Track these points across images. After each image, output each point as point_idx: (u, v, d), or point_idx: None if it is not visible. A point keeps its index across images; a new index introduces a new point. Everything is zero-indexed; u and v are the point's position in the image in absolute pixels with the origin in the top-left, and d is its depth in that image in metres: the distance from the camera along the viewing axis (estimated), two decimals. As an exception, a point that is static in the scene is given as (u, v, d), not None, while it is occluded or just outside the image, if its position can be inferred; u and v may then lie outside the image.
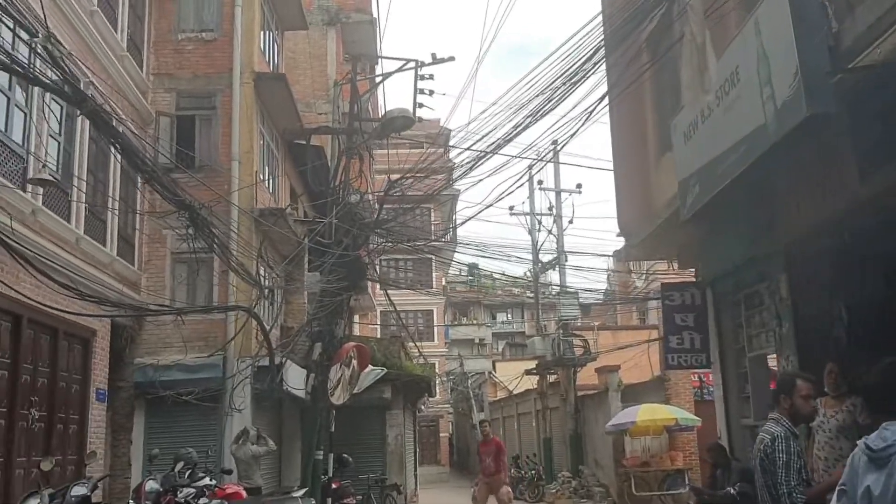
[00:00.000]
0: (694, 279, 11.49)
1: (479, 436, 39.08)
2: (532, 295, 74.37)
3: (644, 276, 40.77)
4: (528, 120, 8.97)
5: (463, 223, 36.45)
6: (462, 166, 11.32)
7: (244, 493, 11.78)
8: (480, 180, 75.47)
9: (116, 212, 13.21)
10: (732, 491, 9.09)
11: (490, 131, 10.07)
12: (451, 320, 62.33)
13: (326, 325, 13.62)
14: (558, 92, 8.55)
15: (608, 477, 21.81)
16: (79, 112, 7.96)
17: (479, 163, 10.60)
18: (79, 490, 8.32)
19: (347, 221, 13.49)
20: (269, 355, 12.55)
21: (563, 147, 9.05)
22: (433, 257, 42.89)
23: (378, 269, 17.81)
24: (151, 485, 9.39)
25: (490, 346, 64.04)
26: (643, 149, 11.15)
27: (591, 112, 8.46)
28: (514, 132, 9.28)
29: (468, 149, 12.65)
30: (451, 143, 15.10)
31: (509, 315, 70.93)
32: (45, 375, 11.21)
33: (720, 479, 9.54)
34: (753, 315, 9.46)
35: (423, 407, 24.99)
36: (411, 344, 22.78)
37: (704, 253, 10.27)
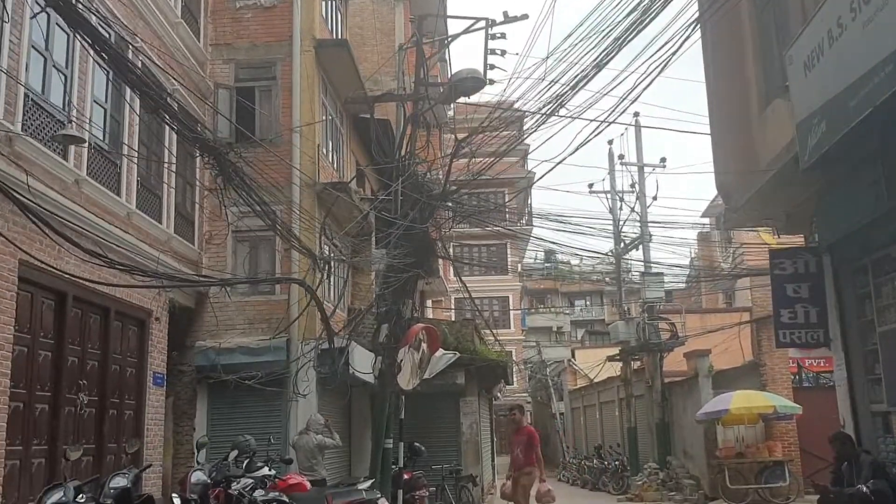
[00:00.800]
0: (804, 245, 10.02)
1: (558, 425, 37.80)
2: (612, 282, 72.45)
3: (731, 257, 38.70)
4: (615, 48, 7.67)
5: (541, 177, 35.01)
6: (538, 108, 9.97)
7: (308, 485, 10.85)
8: (548, 138, 72.89)
9: (171, 185, 12.41)
10: (865, 489, 7.66)
11: (570, 66, 8.69)
12: (527, 309, 60.97)
13: (393, 305, 12.57)
14: (650, 13, 7.24)
15: (699, 468, 20.28)
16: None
17: (562, 101, 9.23)
18: (119, 481, 7.38)
19: (414, 192, 12.40)
20: (328, 335, 11.57)
21: (655, 78, 7.64)
22: (508, 242, 41.76)
23: (450, 250, 16.66)
24: (198, 476, 8.44)
25: (568, 334, 62.51)
26: (745, 98, 9.71)
27: (690, 26, 7.09)
28: (602, 60, 7.96)
29: (542, 113, 11.39)
30: (522, 84, 13.78)
31: (588, 302, 69.15)
32: (95, 358, 10.47)
33: (846, 474, 8.11)
34: (885, 283, 7.99)
35: (499, 394, 23.77)
36: (486, 331, 21.64)
37: (822, 212, 8.80)
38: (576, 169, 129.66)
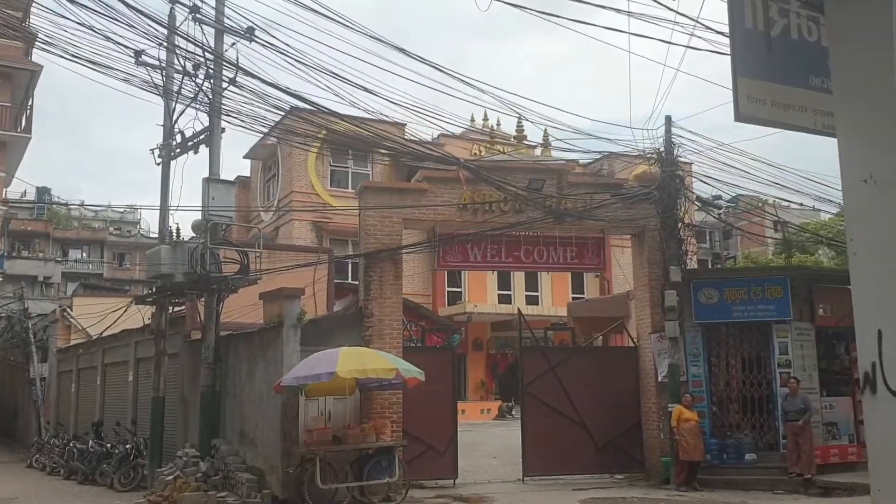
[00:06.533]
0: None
1: (37, 394, 27.97)
2: (115, 232, 61.45)
3: (276, 207, 32.85)
4: None
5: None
6: None
7: None
8: None
9: None
10: None
11: None
12: (7, 252, 48.05)
13: None
14: None
15: (265, 458, 13.74)
16: None
17: None
18: None
19: None
20: None
21: None
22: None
23: None
24: None
25: (58, 286, 50.83)
26: None
27: None
28: None
29: None
30: None
31: (85, 253, 57.55)
32: None
33: None
34: None
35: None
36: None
37: None
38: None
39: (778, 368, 14.66)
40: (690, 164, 17.65)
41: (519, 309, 16.63)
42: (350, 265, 29.05)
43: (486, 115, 33.55)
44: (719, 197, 17.04)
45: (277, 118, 13.17)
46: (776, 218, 17.19)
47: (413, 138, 12.91)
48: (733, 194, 17.13)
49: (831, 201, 17.64)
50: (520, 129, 14.57)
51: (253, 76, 12.50)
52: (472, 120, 32.69)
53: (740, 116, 4.64)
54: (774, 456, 14.35)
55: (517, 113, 12.04)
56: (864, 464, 13.74)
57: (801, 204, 16.75)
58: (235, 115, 13.10)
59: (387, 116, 14.50)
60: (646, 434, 15.28)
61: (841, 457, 14.32)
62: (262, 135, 16.79)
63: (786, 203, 17.28)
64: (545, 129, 14.38)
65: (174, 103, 16.77)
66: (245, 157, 34.92)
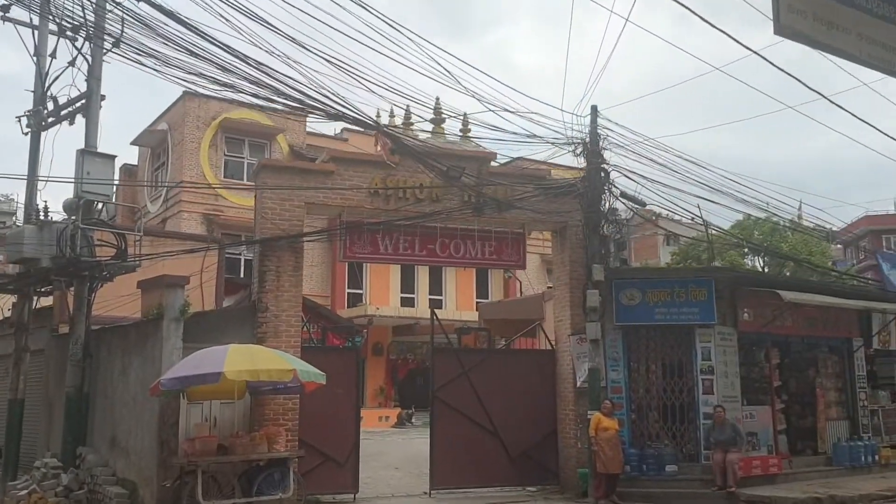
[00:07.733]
0: None
1: None
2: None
3: (163, 197, 30.42)
4: None
5: None
6: None
7: None
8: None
9: None
10: None
11: None
12: None
13: None
14: None
15: (139, 469, 11.93)
16: None
17: None
18: None
19: None
20: None
21: None
22: None
23: None
24: None
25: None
26: None
27: None
28: None
29: None
30: None
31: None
32: None
33: None
34: None
35: None
36: None
37: None
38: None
39: (700, 374, 13.90)
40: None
41: (432, 309, 15.32)
42: (243, 261, 27.13)
43: (392, 111, 32.15)
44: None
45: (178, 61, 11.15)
46: (699, 220, 16.48)
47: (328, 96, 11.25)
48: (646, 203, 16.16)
49: (748, 202, 17.16)
50: (438, 111, 13.37)
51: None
52: (379, 115, 31.18)
53: (780, 28, 3.52)
54: (695, 467, 13.54)
55: (444, 71, 10.74)
56: (785, 475, 12.97)
57: (696, 214, 15.98)
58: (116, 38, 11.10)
59: (309, 69, 12.46)
60: (562, 443, 14.22)
61: (763, 468, 13.64)
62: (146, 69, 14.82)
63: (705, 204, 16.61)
64: (465, 114, 13.31)
65: (48, 66, 14.74)
66: (133, 143, 32.32)
